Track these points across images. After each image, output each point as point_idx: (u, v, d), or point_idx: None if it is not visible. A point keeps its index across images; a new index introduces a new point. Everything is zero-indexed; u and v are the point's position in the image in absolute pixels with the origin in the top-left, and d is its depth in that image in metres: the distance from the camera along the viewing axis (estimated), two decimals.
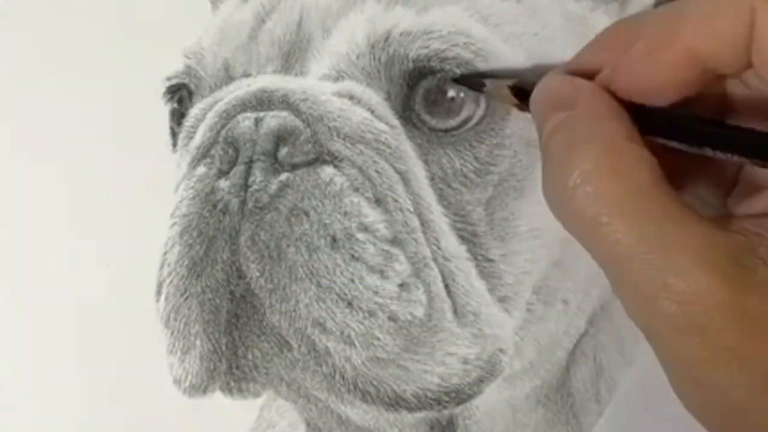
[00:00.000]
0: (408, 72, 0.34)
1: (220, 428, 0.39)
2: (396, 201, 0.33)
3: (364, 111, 0.34)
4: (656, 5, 0.35)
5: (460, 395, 0.34)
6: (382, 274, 0.32)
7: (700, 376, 0.24)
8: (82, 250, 0.42)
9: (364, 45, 0.34)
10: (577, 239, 0.26)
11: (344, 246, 0.32)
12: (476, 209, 0.34)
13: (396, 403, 0.33)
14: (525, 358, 0.36)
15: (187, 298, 0.34)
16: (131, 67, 0.41)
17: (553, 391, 0.37)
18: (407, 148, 0.34)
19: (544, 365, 0.37)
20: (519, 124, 0.34)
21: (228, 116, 0.34)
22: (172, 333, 0.35)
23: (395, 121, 0.34)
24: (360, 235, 0.32)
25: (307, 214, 0.32)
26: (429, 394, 0.33)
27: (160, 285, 0.36)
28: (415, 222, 0.33)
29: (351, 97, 0.34)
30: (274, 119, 0.33)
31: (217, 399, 0.35)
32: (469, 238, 0.34)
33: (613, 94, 0.27)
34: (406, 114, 0.34)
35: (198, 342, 0.34)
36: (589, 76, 0.28)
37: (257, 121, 0.34)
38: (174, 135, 0.39)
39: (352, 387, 0.33)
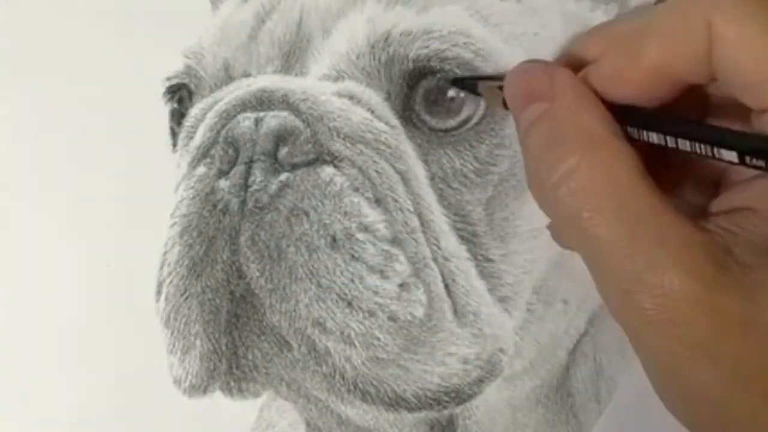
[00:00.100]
0: (408, 72, 0.34)
1: (220, 428, 0.39)
2: (396, 201, 0.33)
3: (364, 111, 0.34)
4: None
5: (460, 395, 0.34)
6: (382, 274, 0.32)
7: (673, 371, 0.24)
8: (82, 250, 0.42)
9: (364, 45, 0.34)
10: (561, 231, 0.26)
11: (344, 246, 0.32)
12: (476, 209, 0.34)
13: (396, 403, 0.33)
14: (525, 358, 0.36)
15: (187, 298, 0.34)
16: (131, 67, 0.41)
17: (553, 391, 0.37)
18: (407, 148, 0.34)
19: (544, 365, 0.37)
20: None
21: (228, 116, 0.34)
22: (172, 333, 0.35)
23: (395, 121, 0.34)
24: (360, 235, 0.32)
25: (307, 214, 0.32)
26: (429, 394, 0.33)
27: (160, 285, 0.36)
28: (415, 222, 0.33)
29: (351, 97, 0.34)
30: (274, 119, 0.33)
31: (217, 399, 0.35)
32: (469, 238, 0.34)
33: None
34: (406, 114, 0.34)
35: (198, 342, 0.34)
36: None
37: (257, 121, 0.34)
38: (174, 135, 0.39)
39: (352, 387, 0.33)
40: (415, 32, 0.34)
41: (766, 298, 0.23)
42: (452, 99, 0.34)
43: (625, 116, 0.27)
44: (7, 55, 0.43)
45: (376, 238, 0.32)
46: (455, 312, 0.33)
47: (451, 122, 0.34)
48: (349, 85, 0.34)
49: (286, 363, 0.34)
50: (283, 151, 0.33)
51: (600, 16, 0.36)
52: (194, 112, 0.37)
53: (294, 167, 0.33)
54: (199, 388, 0.35)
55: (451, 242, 0.34)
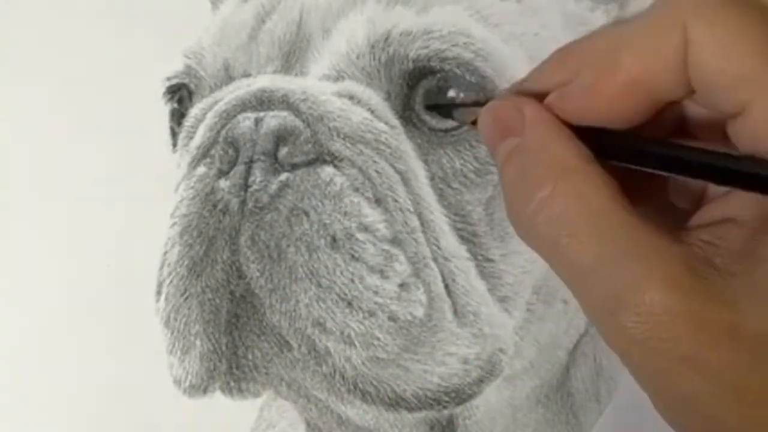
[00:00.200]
0: (408, 72, 0.34)
1: (220, 428, 0.39)
2: (396, 201, 0.33)
3: (364, 111, 0.34)
4: None
5: (460, 395, 0.34)
6: (382, 274, 0.32)
7: (665, 387, 0.24)
8: (82, 250, 0.42)
9: (364, 45, 0.34)
10: (543, 259, 0.26)
11: (344, 246, 0.32)
12: (476, 209, 0.34)
13: (396, 403, 0.33)
14: (525, 358, 0.36)
15: (187, 298, 0.34)
16: (131, 67, 0.41)
17: (553, 391, 0.37)
18: (407, 148, 0.34)
19: (544, 365, 0.37)
20: None
21: (228, 116, 0.34)
22: (172, 333, 0.35)
23: (395, 121, 0.34)
24: (360, 235, 0.32)
25: (307, 214, 0.32)
26: (429, 394, 0.33)
27: (160, 285, 0.36)
28: (415, 222, 0.33)
29: (351, 97, 0.34)
30: (274, 119, 0.33)
31: (217, 399, 0.35)
32: (469, 238, 0.34)
33: (562, 119, 0.27)
34: (406, 114, 0.34)
35: (198, 342, 0.34)
36: (539, 98, 0.28)
37: (257, 121, 0.34)
38: (174, 135, 0.39)
39: (352, 387, 0.33)
40: (415, 32, 0.34)
41: (751, 304, 0.23)
42: (452, 99, 0.34)
43: (601, 142, 0.27)
44: (7, 55, 0.43)
45: (376, 238, 0.32)
46: (455, 312, 0.33)
47: (451, 122, 0.34)
48: (349, 85, 0.34)
49: (286, 363, 0.34)
50: (283, 151, 0.33)
51: (600, 16, 0.36)
52: (194, 112, 0.37)
53: (294, 167, 0.33)
54: (199, 388, 0.35)
55: (451, 242, 0.34)
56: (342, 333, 0.32)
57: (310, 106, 0.34)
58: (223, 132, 0.34)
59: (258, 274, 0.33)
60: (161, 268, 0.36)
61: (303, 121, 0.33)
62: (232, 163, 0.34)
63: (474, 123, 0.31)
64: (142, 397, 0.40)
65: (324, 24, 0.35)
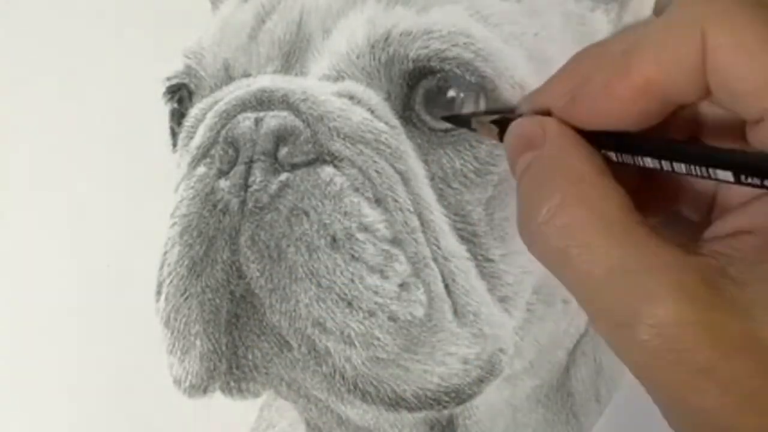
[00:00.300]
0: (408, 72, 0.34)
1: (220, 428, 0.39)
2: (396, 201, 0.33)
3: (364, 111, 0.34)
4: (655, 7, 0.35)
5: (460, 395, 0.34)
6: (382, 274, 0.32)
7: (681, 400, 0.24)
8: (82, 251, 0.42)
9: (364, 45, 0.34)
10: (552, 273, 0.26)
11: (344, 246, 0.32)
12: (476, 209, 0.34)
13: (396, 403, 0.33)
14: (525, 358, 0.36)
15: (187, 298, 0.34)
16: (131, 67, 0.41)
17: (553, 391, 0.37)
18: (407, 148, 0.34)
19: (544, 365, 0.37)
20: None
21: (228, 116, 0.34)
22: (172, 333, 0.35)
23: (395, 121, 0.34)
24: (360, 235, 0.32)
25: (307, 214, 0.32)
26: (429, 394, 0.33)
27: (160, 285, 0.36)
28: (415, 222, 0.33)
29: (351, 97, 0.34)
30: (274, 119, 0.33)
31: (217, 399, 0.35)
32: (469, 238, 0.34)
33: (575, 125, 0.27)
34: (406, 114, 0.34)
35: (198, 342, 0.34)
36: (554, 105, 0.28)
37: (257, 121, 0.34)
38: (174, 135, 0.39)
39: (352, 387, 0.33)
40: (415, 32, 0.34)
41: (766, 314, 0.23)
42: (452, 99, 0.34)
43: (617, 143, 0.27)
44: (7, 55, 0.43)
45: (376, 238, 0.32)
46: (455, 312, 0.33)
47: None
48: (349, 85, 0.34)
49: (286, 363, 0.34)
50: (283, 151, 0.33)
51: (600, 16, 0.36)
52: (194, 112, 0.37)
53: (294, 167, 0.33)
54: (199, 388, 0.35)
55: (451, 242, 0.34)
56: (342, 333, 0.32)
57: (310, 106, 0.34)
58: (223, 132, 0.34)
59: (258, 274, 0.33)
60: (161, 268, 0.36)
61: (303, 121, 0.33)
62: (232, 163, 0.34)
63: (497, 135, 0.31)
64: (142, 397, 0.40)
65: (324, 24, 0.35)
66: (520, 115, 0.30)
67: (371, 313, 0.32)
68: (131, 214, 0.41)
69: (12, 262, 0.42)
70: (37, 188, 0.43)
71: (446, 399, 0.33)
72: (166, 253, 0.35)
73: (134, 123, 0.41)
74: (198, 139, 0.35)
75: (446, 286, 0.33)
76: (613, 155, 0.27)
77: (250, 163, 0.33)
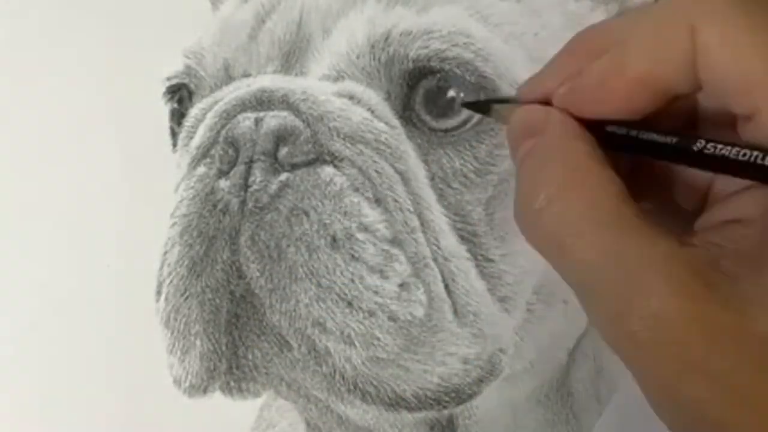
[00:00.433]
0: (408, 72, 0.34)
1: (220, 428, 0.39)
2: (396, 201, 0.33)
3: (364, 111, 0.34)
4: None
5: (460, 395, 0.34)
6: (382, 274, 0.32)
7: (671, 392, 0.24)
8: (82, 250, 0.42)
9: (364, 45, 0.34)
10: (546, 260, 0.26)
11: (344, 246, 0.32)
12: (476, 209, 0.34)
13: (396, 403, 0.33)
14: (525, 358, 0.36)
15: (187, 298, 0.34)
16: (131, 67, 0.41)
17: (553, 391, 0.37)
18: (407, 148, 0.34)
19: (544, 365, 0.37)
20: None
21: (228, 116, 0.34)
22: (172, 333, 0.35)
23: (395, 121, 0.34)
24: (360, 235, 0.32)
25: (307, 214, 0.32)
26: (429, 394, 0.33)
27: (160, 285, 0.36)
28: (415, 222, 0.33)
29: (351, 97, 0.34)
30: (274, 119, 0.33)
31: (217, 399, 0.35)
32: (469, 238, 0.34)
33: (574, 112, 0.28)
34: (406, 114, 0.34)
35: (198, 342, 0.34)
36: (551, 90, 0.28)
37: (257, 121, 0.34)
38: (174, 135, 0.39)
39: (352, 387, 0.33)
40: (415, 32, 0.34)
41: (758, 308, 0.23)
42: (452, 99, 0.34)
43: (616, 133, 0.27)
44: (7, 55, 0.43)
45: (376, 238, 0.32)
46: (455, 312, 0.33)
47: (451, 122, 0.34)
48: (349, 85, 0.34)
49: (286, 363, 0.34)
50: (283, 151, 0.33)
51: (600, 16, 0.36)
52: (194, 112, 0.37)
53: (294, 167, 0.33)
54: (199, 388, 0.35)
55: (451, 242, 0.34)
56: (342, 333, 0.32)
57: (310, 106, 0.34)
58: (223, 132, 0.34)
59: (258, 274, 0.33)
60: (161, 268, 0.36)
61: (303, 121, 0.33)
62: (232, 163, 0.34)
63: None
64: (142, 397, 0.40)
65: (324, 24, 0.35)
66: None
67: (371, 313, 0.32)
68: (131, 214, 0.41)
69: (12, 262, 0.42)
70: (37, 188, 0.43)
71: (446, 399, 0.33)
72: (166, 253, 0.35)
73: (134, 123, 0.41)
74: (198, 139, 0.35)
75: (446, 286, 0.33)
76: (612, 142, 0.27)
77: (250, 163, 0.33)
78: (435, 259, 0.33)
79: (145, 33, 0.42)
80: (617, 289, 0.24)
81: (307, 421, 0.39)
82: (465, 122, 0.34)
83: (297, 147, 0.33)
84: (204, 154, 0.35)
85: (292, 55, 0.36)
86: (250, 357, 0.34)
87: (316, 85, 0.34)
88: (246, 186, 0.33)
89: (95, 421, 0.41)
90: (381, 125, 0.34)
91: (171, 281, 0.35)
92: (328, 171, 0.33)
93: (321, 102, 0.34)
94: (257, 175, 0.33)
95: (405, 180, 0.33)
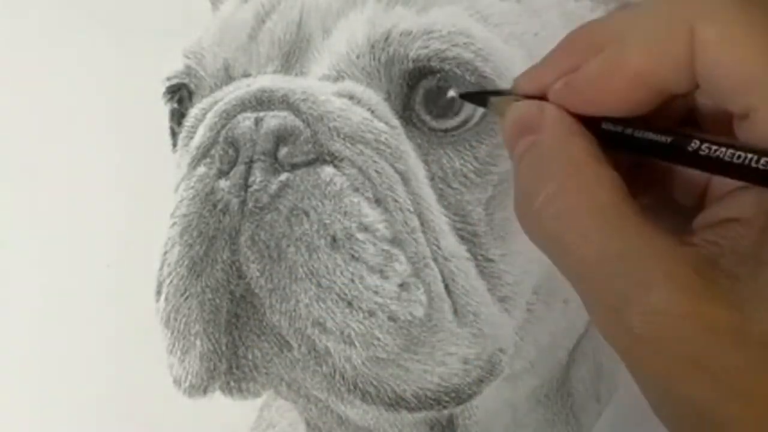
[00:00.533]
0: (408, 72, 0.34)
1: (220, 428, 0.39)
2: (396, 201, 0.33)
3: (364, 111, 0.34)
4: None
5: (460, 395, 0.34)
6: (382, 274, 0.32)
7: (667, 389, 0.24)
8: (82, 251, 0.42)
9: (364, 45, 0.34)
10: (548, 258, 0.26)
11: (344, 246, 0.32)
12: (476, 209, 0.34)
13: (396, 403, 0.33)
14: (525, 358, 0.36)
15: (187, 298, 0.34)
16: (131, 67, 0.41)
17: (553, 391, 0.37)
18: (407, 148, 0.34)
19: (544, 365, 0.37)
20: None
21: (228, 116, 0.34)
22: (172, 333, 0.35)
23: (395, 121, 0.34)
24: (360, 235, 0.32)
25: (307, 214, 0.32)
26: (429, 394, 0.33)
27: (160, 285, 0.36)
28: (415, 222, 0.33)
29: (351, 97, 0.34)
30: (274, 119, 0.33)
31: (217, 399, 0.35)
32: (469, 238, 0.34)
33: (569, 108, 0.28)
34: (406, 114, 0.34)
35: (198, 342, 0.34)
36: (548, 84, 0.29)
37: (257, 121, 0.34)
38: (174, 135, 0.39)
39: (352, 387, 0.33)
40: (415, 32, 0.34)
41: (756, 307, 0.23)
42: (452, 99, 0.34)
43: (613, 130, 0.27)
44: (8, 55, 0.43)
45: (376, 238, 0.32)
46: (455, 312, 0.33)
47: (451, 122, 0.34)
48: (349, 85, 0.34)
49: (286, 363, 0.34)
50: (283, 151, 0.33)
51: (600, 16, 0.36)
52: (194, 112, 0.37)
53: (294, 167, 0.33)
54: (199, 388, 0.35)
55: (451, 242, 0.34)
56: (342, 333, 0.32)
57: (310, 106, 0.34)
58: (223, 132, 0.34)
59: (258, 274, 0.33)
60: (161, 268, 0.36)
61: (303, 121, 0.33)
62: (232, 163, 0.34)
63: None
64: (142, 397, 0.40)
65: (324, 24, 0.35)
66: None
67: (371, 313, 0.32)
68: (131, 214, 0.41)
69: (12, 261, 0.42)
70: (37, 188, 0.43)
71: (446, 399, 0.33)
72: (166, 253, 0.35)
73: (134, 123, 0.41)
74: (198, 139, 0.35)
75: (446, 286, 0.33)
76: (608, 139, 0.27)
77: (250, 163, 0.33)
78: (435, 259, 0.33)
79: (145, 33, 0.42)
80: (616, 286, 0.24)
81: (307, 421, 0.39)
82: (465, 122, 0.34)
83: (297, 147, 0.33)
84: (204, 154, 0.35)
85: (292, 55, 0.36)
86: (250, 357, 0.34)
87: (316, 85, 0.34)
88: (246, 186, 0.33)
89: (95, 421, 0.41)
90: (381, 125, 0.34)
91: (171, 281, 0.35)
92: (328, 171, 0.33)
93: (321, 102, 0.34)
94: (257, 175, 0.33)
95: (405, 180, 0.33)
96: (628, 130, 0.27)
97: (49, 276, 0.42)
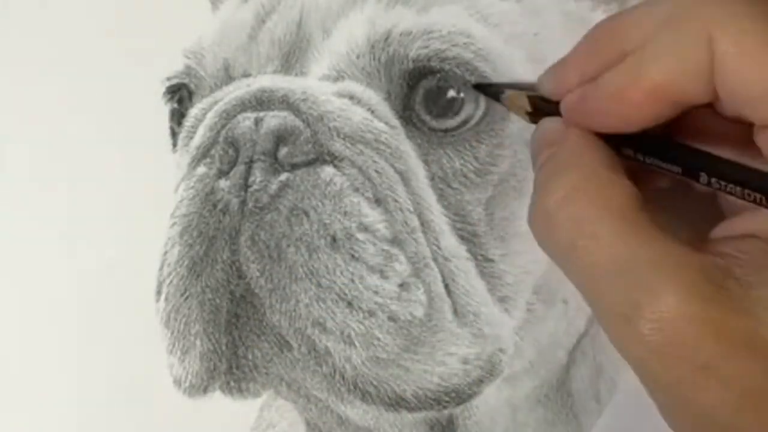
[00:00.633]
0: (408, 72, 0.34)
1: (220, 428, 0.39)
2: (396, 201, 0.33)
3: (364, 111, 0.34)
4: None
5: (460, 395, 0.34)
6: (382, 274, 0.32)
7: (679, 396, 0.24)
8: (82, 250, 0.42)
9: (364, 45, 0.34)
10: (557, 264, 0.26)
11: (344, 246, 0.32)
12: (476, 209, 0.34)
13: (396, 403, 0.33)
14: (525, 358, 0.36)
15: (187, 298, 0.34)
16: (131, 67, 0.41)
17: (553, 391, 0.37)
18: (407, 148, 0.34)
19: (544, 365, 0.37)
20: (519, 124, 0.34)
21: (228, 116, 0.34)
22: (172, 333, 0.35)
23: (395, 121, 0.34)
24: (360, 235, 0.32)
25: (307, 214, 0.32)
26: (429, 394, 0.33)
27: (160, 285, 0.36)
28: (415, 222, 0.33)
29: (351, 97, 0.34)
30: (274, 119, 0.33)
31: (217, 399, 0.35)
32: (469, 238, 0.34)
33: (587, 123, 0.28)
34: (406, 114, 0.34)
35: (198, 342, 0.34)
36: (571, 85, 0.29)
37: (257, 121, 0.34)
38: (174, 135, 0.39)
39: (352, 387, 0.33)
40: (415, 32, 0.34)
41: None
42: (452, 99, 0.34)
43: (633, 146, 0.27)
44: (7, 55, 0.43)
45: (376, 238, 0.32)
46: (455, 312, 0.33)
47: (451, 122, 0.34)
48: (349, 85, 0.34)
49: (286, 363, 0.34)
50: (283, 151, 0.33)
51: (600, 16, 0.35)
52: (194, 112, 0.37)
53: (294, 167, 0.33)
54: (199, 388, 0.35)
55: (451, 242, 0.34)
56: (342, 333, 0.32)
57: (310, 106, 0.34)
58: (223, 132, 0.34)
59: (258, 274, 0.33)
60: (161, 268, 0.36)
61: (303, 121, 0.33)
62: (232, 163, 0.34)
63: (529, 114, 0.31)
64: (142, 397, 0.40)
65: (324, 24, 0.35)
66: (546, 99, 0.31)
67: (371, 313, 0.32)
68: (131, 214, 0.41)
69: (12, 261, 0.42)
70: (37, 188, 0.43)
71: (446, 399, 0.33)
72: (166, 253, 0.35)
73: (134, 123, 0.41)
74: (198, 139, 0.35)
75: (446, 286, 0.33)
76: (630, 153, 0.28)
77: (250, 163, 0.33)
78: (435, 259, 0.33)
79: (145, 33, 0.42)
80: (627, 292, 0.24)
81: (307, 421, 0.39)
82: (465, 122, 0.34)
83: (297, 147, 0.33)
84: (204, 154, 0.35)
85: (292, 55, 0.36)
86: (250, 357, 0.34)
87: (316, 85, 0.34)
88: (246, 186, 0.33)
89: (95, 421, 0.41)
90: (381, 125, 0.34)
91: (171, 281, 0.35)
92: (328, 171, 0.33)
93: (321, 102, 0.34)
94: (257, 175, 0.33)
95: (405, 180, 0.33)
96: (639, 157, 0.27)
97: (49, 276, 0.42)
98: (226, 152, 0.34)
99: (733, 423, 0.23)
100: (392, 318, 0.32)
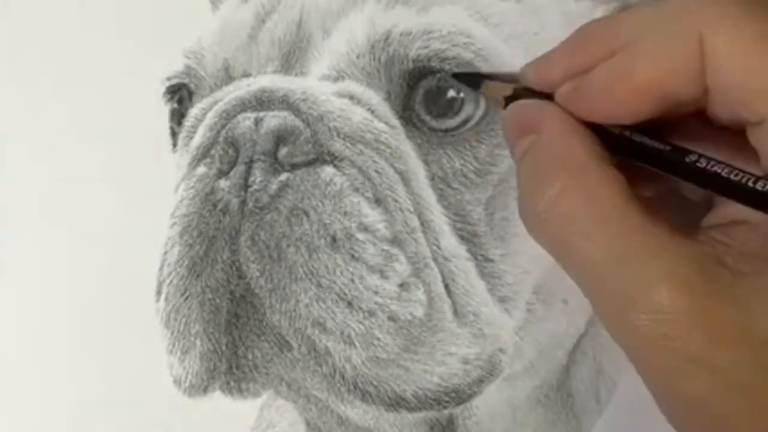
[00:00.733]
0: (408, 72, 0.34)
1: (220, 428, 0.39)
2: (396, 201, 0.33)
3: (364, 111, 0.34)
4: None
5: (460, 395, 0.34)
6: (382, 274, 0.32)
7: (673, 387, 0.24)
8: (82, 250, 0.42)
9: (364, 45, 0.34)
10: (553, 258, 0.26)
11: (344, 246, 0.32)
12: (476, 209, 0.34)
13: (396, 403, 0.33)
14: (525, 358, 0.36)
15: (187, 298, 0.34)
16: (131, 67, 0.41)
17: (553, 391, 0.37)
18: (407, 148, 0.34)
19: (544, 365, 0.37)
20: None
21: (228, 116, 0.34)
22: (172, 333, 0.35)
23: (395, 121, 0.34)
24: (360, 235, 0.32)
25: (307, 214, 0.32)
26: (429, 394, 0.33)
27: (160, 285, 0.36)
28: (415, 222, 0.33)
29: (351, 97, 0.34)
30: (274, 119, 0.33)
31: (217, 399, 0.35)
32: (469, 238, 0.34)
33: (578, 115, 0.28)
34: (406, 114, 0.34)
35: (198, 342, 0.34)
36: (556, 81, 0.29)
37: (257, 121, 0.34)
38: (174, 135, 0.39)
39: (352, 387, 0.33)
40: (415, 32, 0.34)
41: (761, 304, 0.23)
42: (452, 99, 0.34)
43: (618, 139, 0.27)
44: (7, 55, 0.43)
45: (376, 238, 0.32)
46: (455, 312, 0.33)
47: (451, 122, 0.34)
48: (349, 85, 0.34)
49: (286, 363, 0.34)
50: (283, 151, 0.33)
51: (600, 16, 0.36)
52: (194, 112, 0.37)
53: (294, 167, 0.33)
54: (199, 388, 0.35)
55: (451, 242, 0.34)
56: (342, 333, 0.32)
57: (310, 106, 0.34)
58: (223, 132, 0.34)
59: (258, 274, 0.33)
60: (161, 268, 0.36)
61: (303, 121, 0.33)
62: (232, 163, 0.34)
63: (503, 101, 0.31)
64: (142, 397, 0.40)
65: (324, 24, 0.35)
66: (527, 88, 0.31)
67: (371, 313, 0.32)
68: (131, 214, 0.41)
69: (12, 261, 0.42)
70: (37, 188, 0.43)
71: (446, 399, 0.33)
72: (166, 253, 0.35)
73: (134, 123, 0.41)
74: (198, 139, 0.35)
75: (446, 286, 0.33)
76: (611, 143, 0.28)
77: (250, 163, 0.33)
78: (435, 259, 0.33)
79: (145, 33, 0.42)
80: (621, 286, 0.24)
81: (307, 421, 0.39)
82: (465, 122, 0.34)
83: (297, 147, 0.33)
84: (204, 154, 0.35)
85: (292, 55, 0.36)
86: (250, 357, 0.34)
87: (316, 85, 0.34)
88: (246, 186, 0.33)
89: (95, 421, 0.41)
90: (381, 125, 0.34)
91: (171, 281, 0.35)
92: (328, 171, 0.33)
93: (321, 102, 0.34)
94: (257, 175, 0.33)
95: (405, 180, 0.33)
96: (626, 133, 0.27)
97: (49, 276, 0.42)
98: (226, 152, 0.34)
99: (723, 413, 0.23)
100: (392, 318, 0.32)
